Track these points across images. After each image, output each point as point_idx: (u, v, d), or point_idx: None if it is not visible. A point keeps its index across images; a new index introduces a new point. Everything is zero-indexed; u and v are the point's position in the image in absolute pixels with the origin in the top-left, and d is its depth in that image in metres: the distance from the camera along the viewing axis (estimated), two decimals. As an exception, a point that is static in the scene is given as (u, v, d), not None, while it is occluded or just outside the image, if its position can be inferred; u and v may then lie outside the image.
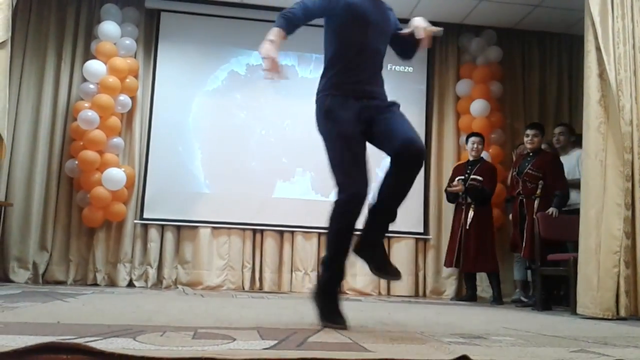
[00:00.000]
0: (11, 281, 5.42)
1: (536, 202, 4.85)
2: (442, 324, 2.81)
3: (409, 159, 2.42)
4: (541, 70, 6.73)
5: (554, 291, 5.08)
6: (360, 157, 2.47)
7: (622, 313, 3.55)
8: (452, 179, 5.63)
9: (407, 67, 6.39)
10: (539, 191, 4.87)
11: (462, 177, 5.48)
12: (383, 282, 6.07)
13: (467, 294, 5.61)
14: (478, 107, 6.17)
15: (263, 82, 6.21)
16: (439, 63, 6.57)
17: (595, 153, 3.76)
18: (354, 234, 2.46)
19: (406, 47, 2.75)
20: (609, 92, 3.78)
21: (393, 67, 6.30)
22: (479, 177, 5.43)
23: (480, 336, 2.27)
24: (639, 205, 3.70)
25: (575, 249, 3.99)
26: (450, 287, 6.13)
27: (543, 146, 5.30)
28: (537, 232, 4.56)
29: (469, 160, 5.63)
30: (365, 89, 2.56)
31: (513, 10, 6.16)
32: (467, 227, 5.36)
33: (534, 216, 4.71)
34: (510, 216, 5.27)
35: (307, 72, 6.34)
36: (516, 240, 5.00)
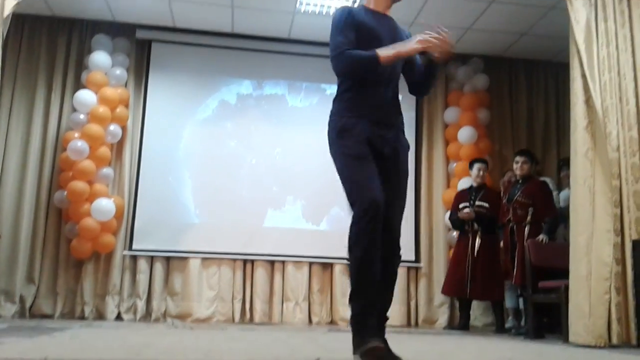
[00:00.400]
0: (-3, 315, 5.33)
1: (526, 229, 4.86)
2: (436, 355, 2.78)
3: (391, 258, 2.43)
4: (528, 97, 6.81)
5: (543, 318, 5.05)
6: (373, 174, 2.37)
7: (615, 341, 3.53)
8: (455, 206, 5.53)
9: (396, 95, 6.43)
10: (529, 218, 4.88)
11: (468, 204, 5.39)
12: (375, 310, 6.00)
13: (460, 322, 5.55)
14: (466, 134, 6.22)
15: (253, 111, 6.28)
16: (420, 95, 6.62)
17: (584, 179, 3.79)
18: (379, 257, 2.29)
19: (421, 77, 2.61)
20: (595, 118, 3.83)
21: (382, 95, 6.34)
22: (485, 204, 5.35)
23: (473, 367, 2.24)
24: (628, 232, 3.72)
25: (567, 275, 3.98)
26: (442, 316, 6.08)
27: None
28: (527, 259, 4.56)
29: (472, 187, 5.57)
30: (380, 113, 2.48)
31: (500, 39, 6.26)
32: (475, 255, 5.26)
33: (524, 243, 4.71)
34: (502, 243, 5.26)
35: (297, 101, 6.37)
36: (507, 267, 4.99)
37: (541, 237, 4.69)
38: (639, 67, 4.01)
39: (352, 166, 2.38)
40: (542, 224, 4.82)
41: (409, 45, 2.41)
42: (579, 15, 3.96)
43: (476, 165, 5.52)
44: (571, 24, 3.97)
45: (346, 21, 2.48)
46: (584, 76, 3.88)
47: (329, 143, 2.50)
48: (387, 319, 2.45)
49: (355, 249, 2.27)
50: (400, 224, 2.50)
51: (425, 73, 2.58)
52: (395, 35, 2.56)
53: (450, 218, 5.72)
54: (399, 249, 2.49)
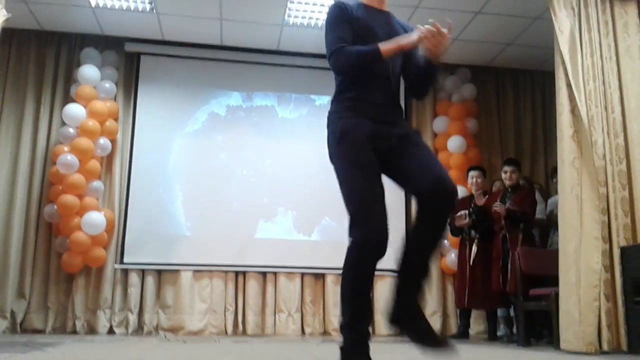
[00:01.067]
0: (-13, 331, 5.29)
1: (520, 237, 4.88)
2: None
3: (441, 203, 2.19)
4: (515, 106, 6.88)
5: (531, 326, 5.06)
6: (379, 189, 2.21)
7: (605, 347, 3.57)
8: (454, 212, 5.45)
9: (385, 106, 6.49)
10: (522, 226, 4.91)
11: (466, 212, 5.30)
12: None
13: (459, 331, 5.55)
14: (455, 143, 6.27)
15: (243, 123, 6.30)
16: (416, 101, 6.68)
17: (571, 187, 3.83)
18: (371, 288, 2.22)
19: (420, 77, 2.45)
20: (581, 127, 3.88)
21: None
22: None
23: (465, 377, 2.26)
24: (616, 238, 3.77)
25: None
26: (435, 325, 6.10)
27: (521, 182, 5.38)
28: (517, 267, 4.59)
29: (471, 195, 5.55)
30: (381, 112, 2.33)
31: (486, 49, 6.33)
32: (472, 264, 5.21)
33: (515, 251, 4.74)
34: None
35: (287, 112, 6.40)
36: (498, 276, 5.00)
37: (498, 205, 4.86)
38: (624, 76, 4.09)
39: (353, 178, 2.21)
40: (533, 236, 4.87)
41: (410, 38, 2.28)
42: (563, 25, 4.03)
43: (470, 173, 5.52)
44: (556, 34, 4.04)
45: (341, 17, 2.36)
46: (569, 85, 3.94)
47: (329, 146, 2.33)
48: (427, 276, 2.27)
49: (348, 277, 2.16)
50: (437, 164, 2.28)
51: (424, 73, 2.42)
52: (390, 30, 2.42)
53: (448, 224, 5.61)
54: (451, 195, 2.22)
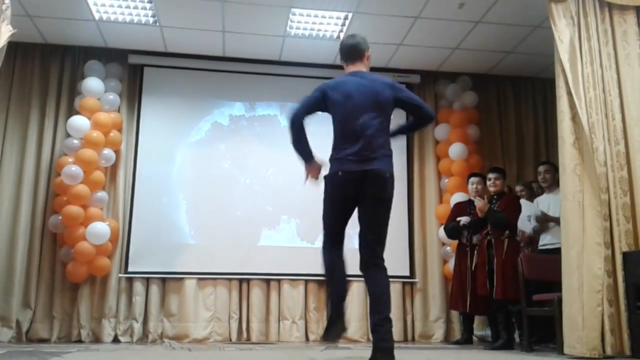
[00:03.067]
0: (-7, 341, 5.32)
1: (505, 243, 4.90)
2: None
3: (372, 267, 3.08)
4: (517, 113, 6.93)
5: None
6: (344, 218, 3.16)
7: (609, 352, 3.59)
8: (452, 217, 5.48)
9: (386, 114, 6.54)
10: (507, 232, 4.91)
11: (467, 218, 5.25)
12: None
13: (462, 336, 5.56)
14: (456, 150, 6.31)
15: (246, 132, 6.35)
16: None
17: (573, 194, 3.87)
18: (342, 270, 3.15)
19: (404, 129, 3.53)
20: (582, 134, 3.92)
21: (373, 114, 6.46)
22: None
23: (471, 382, 2.29)
24: (618, 244, 3.80)
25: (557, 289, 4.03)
26: (438, 331, 6.13)
27: (518, 187, 5.42)
28: (520, 273, 4.61)
29: (470, 200, 5.46)
30: (361, 158, 3.03)
31: (487, 57, 6.38)
32: (473, 269, 5.14)
33: (503, 257, 4.77)
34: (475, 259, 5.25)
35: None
36: (482, 281, 4.98)
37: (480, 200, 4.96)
38: (623, 83, 4.13)
39: (329, 209, 3.18)
40: (518, 242, 4.94)
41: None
42: (563, 35, 4.07)
43: (470, 180, 5.44)
44: (556, 43, 4.08)
45: (315, 95, 3.21)
46: (569, 94, 3.98)
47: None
48: (384, 325, 2.91)
49: (324, 262, 3.17)
50: (375, 241, 3.07)
51: (403, 129, 3.48)
52: (372, 93, 3.13)
53: (445, 227, 5.60)
54: (378, 259, 3.06)
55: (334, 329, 3.02)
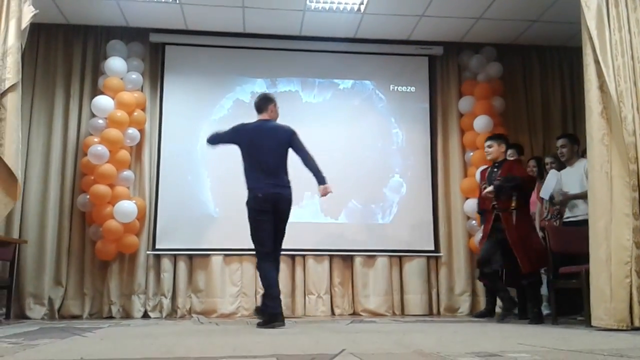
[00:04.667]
0: (27, 317, 5.48)
1: (514, 215, 4.78)
2: (458, 343, 2.83)
3: (278, 261, 4.53)
4: (542, 84, 6.79)
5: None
6: (268, 232, 4.37)
7: (637, 323, 3.54)
8: (479, 186, 5.32)
9: (409, 87, 6.48)
10: (514, 203, 4.77)
11: (491, 187, 4.91)
12: (396, 301, 6.08)
13: (486, 308, 5.56)
14: (481, 123, 6.22)
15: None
16: (440, 81, 6.65)
17: (601, 165, 3.79)
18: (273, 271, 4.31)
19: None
20: (610, 103, 3.83)
21: (396, 87, 6.40)
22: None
23: (496, 354, 2.29)
24: (647, 215, 3.72)
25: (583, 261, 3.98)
26: (464, 304, 6.13)
27: (548, 159, 5.30)
28: (548, 245, 4.56)
29: (493, 164, 5.17)
30: (270, 186, 4.42)
31: (511, 27, 6.25)
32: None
33: (514, 231, 4.70)
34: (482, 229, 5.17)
35: (311, 97, 6.43)
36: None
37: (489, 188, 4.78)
38: (652, 50, 4.00)
39: (254, 227, 4.39)
40: (528, 210, 4.79)
41: None
42: (590, 1, 3.95)
43: (485, 143, 5.19)
44: (582, 10, 3.97)
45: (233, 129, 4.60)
46: (597, 62, 3.88)
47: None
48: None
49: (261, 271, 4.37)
50: (280, 246, 4.50)
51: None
52: (273, 138, 4.54)
53: (478, 200, 5.43)
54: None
55: (277, 323, 4.05)
